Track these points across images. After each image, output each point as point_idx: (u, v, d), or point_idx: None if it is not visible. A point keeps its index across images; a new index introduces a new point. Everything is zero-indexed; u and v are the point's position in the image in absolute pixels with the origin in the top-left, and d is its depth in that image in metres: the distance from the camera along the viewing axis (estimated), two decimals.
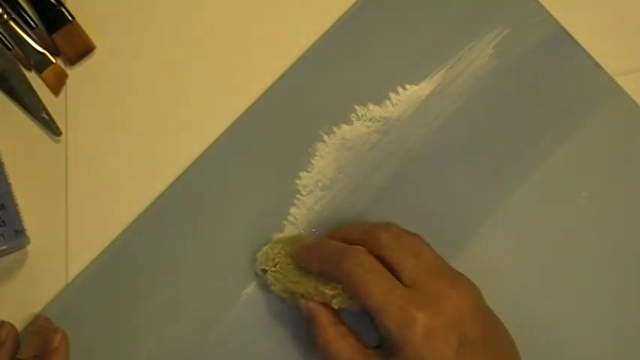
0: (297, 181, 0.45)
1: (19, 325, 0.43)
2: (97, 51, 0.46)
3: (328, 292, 0.40)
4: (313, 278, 0.41)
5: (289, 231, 0.45)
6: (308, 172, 0.45)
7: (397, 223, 0.44)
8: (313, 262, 0.40)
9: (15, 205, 0.43)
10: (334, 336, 0.40)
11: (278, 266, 0.42)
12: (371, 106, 0.45)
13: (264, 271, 0.43)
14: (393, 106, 0.45)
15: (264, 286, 0.43)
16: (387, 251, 0.38)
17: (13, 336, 0.41)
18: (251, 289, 0.44)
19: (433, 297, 0.37)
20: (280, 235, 0.44)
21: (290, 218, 0.45)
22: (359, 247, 0.39)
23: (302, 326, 0.44)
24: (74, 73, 0.46)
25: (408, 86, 0.46)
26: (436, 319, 0.36)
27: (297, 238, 0.44)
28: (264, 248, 0.43)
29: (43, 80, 0.46)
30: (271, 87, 0.46)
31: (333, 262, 0.39)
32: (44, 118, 0.45)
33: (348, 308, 0.40)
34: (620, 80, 0.46)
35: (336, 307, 0.40)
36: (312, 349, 0.41)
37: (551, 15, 0.46)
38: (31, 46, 0.45)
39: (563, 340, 0.43)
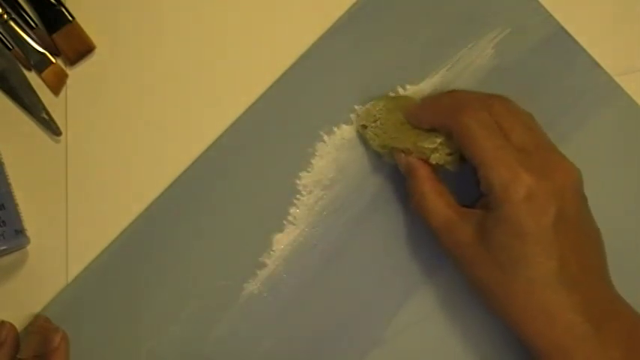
0: (297, 181, 0.45)
1: (19, 325, 0.43)
2: (97, 51, 0.46)
3: (427, 146, 0.40)
4: (413, 135, 0.41)
5: (289, 231, 0.45)
6: (308, 172, 0.45)
7: (397, 223, 0.45)
8: (426, 116, 0.41)
9: (15, 205, 0.43)
10: (431, 191, 0.40)
11: (379, 122, 0.43)
12: None
13: (365, 127, 0.44)
14: None
15: (363, 142, 0.45)
16: (499, 117, 0.38)
17: (13, 336, 0.41)
18: (251, 289, 0.44)
19: (541, 164, 0.37)
20: (381, 97, 0.45)
21: (290, 218, 0.45)
22: (477, 104, 0.39)
23: (302, 326, 0.44)
24: (74, 73, 0.46)
25: (408, 86, 0.46)
26: (541, 185, 0.36)
27: (399, 97, 0.45)
28: (366, 106, 0.44)
29: (43, 80, 0.46)
30: (271, 87, 0.46)
31: (449, 114, 0.39)
32: (44, 118, 0.45)
33: (445, 165, 0.40)
34: (620, 80, 0.46)
35: (433, 162, 0.40)
36: (408, 206, 0.42)
37: (551, 15, 0.46)
38: (31, 46, 0.45)
39: None
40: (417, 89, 0.45)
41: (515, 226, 0.36)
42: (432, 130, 0.41)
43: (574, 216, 0.37)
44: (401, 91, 0.45)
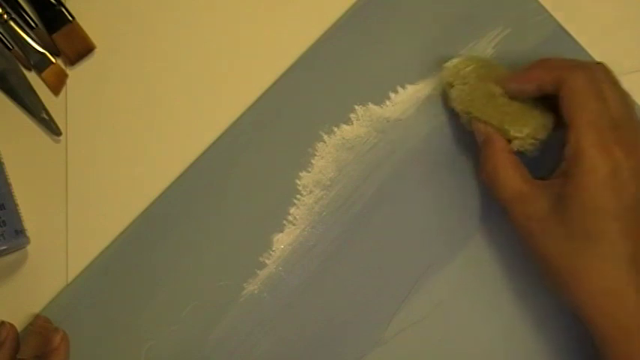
0: (297, 181, 0.45)
1: (19, 325, 0.43)
2: (97, 51, 0.46)
3: (513, 133, 0.39)
4: (500, 113, 0.40)
5: (289, 231, 0.45)
6: (308, 172, 0.45)
7: (397, 223, 0.45)
8: (536, 72, 0.39)
9: (15, 205, 0.43)
10: (505, 163, 0.40)
11: (467, 86, 0.41)
12: (371, 106, 0.46)
13: (451, 85, 0.42)
14: (393, 106, 0.45)
15: (444, 98, 0.44)
16: (602, 84, 0.38)
17: (13, 336, 0.41)
18: (251, 289, 0.44)
19: (631, 141, 0.37)
20: (470, 56, 0.43)
21: (290, 218, 0.45)
22: (587, 65, 0.38)
23: (302, 326, 0.44)
24: (74, 73, 0.46)
25: (408, 86, 0.46)
26: (628, 162, 0.36)
27: (491, 64, 0.43)
28: (455, 61, 0.43)
29: (43, 80, 0.46)
30: (271, 87, 0.46)
31: (563, 68, 0.38)
32: (44, 118, 0.45)
33: (525, 151, 0.40)
34: (621, 80, 0.46)
35: (514, 149, 0.40)
36: (479, 177, 0.41)
37: (551, 15, 0.46)
38: (31, 46, 0.45)
39: (565, 334, 0.43)
40: (417, 89, 0.45)
41: (595, 198, 0.36)
42: (520, 115, 0.40)
43: None
44: (401, 90, 0.45)
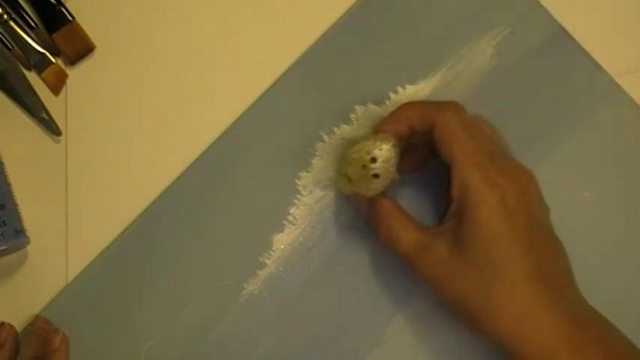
0: (297, 181, 0.45)
1: (19, 326, 0.43)
2: (97, 51, 0.46)
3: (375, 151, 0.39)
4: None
5: (289, 231, 0.45)
6: (308, 172, 0.45)
7: None
8: (404, 117, 0.40)
9: (15, 205, 0.43)
10: (398, 218, 0.40)
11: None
12: (371, 106, 0.46)
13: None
14: (393, 106, 0.45)
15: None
16: (468, 121, 0.39)
17: (13, 337, 0.41)
18: (251, 288, 0.44)
19: (509, 169, 0.38)
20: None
21: (290, 218, 0.45)
22: (453, 109, 0.39)
23: (302, 326, 0.44)
24: (74, 73, 0.46)
25: (408, 86, 0.46)
26: (512, 189, 0.37)
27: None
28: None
29: (43, 80, 0.46)
30: (271, 87, 0.46)
31: (434, 110, 0.39)
32: (44, 118, 0.45)
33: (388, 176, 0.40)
34: (620, 80, 0.46)
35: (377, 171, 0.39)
36: (377, 239, 0.41)
37: (551, 15, 0.46)
38: (31, 46, 0.45)
39: None
40: (416, 89, 0.45)
41: (491, 228, 0.36)
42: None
43: (541, 220, 0.38)
44: (401, 90, 0.46)
